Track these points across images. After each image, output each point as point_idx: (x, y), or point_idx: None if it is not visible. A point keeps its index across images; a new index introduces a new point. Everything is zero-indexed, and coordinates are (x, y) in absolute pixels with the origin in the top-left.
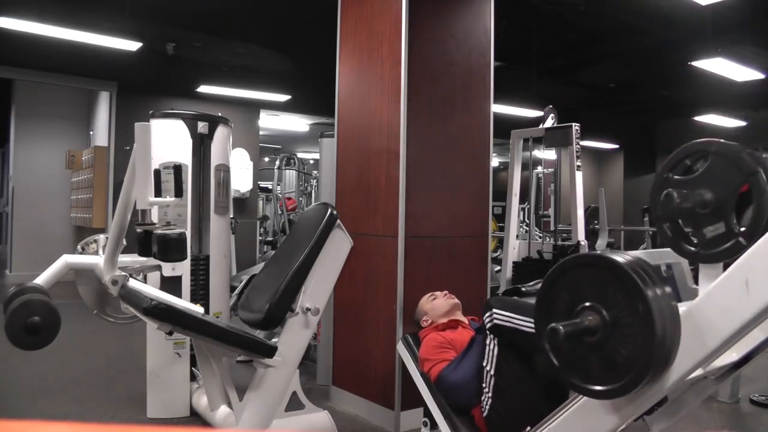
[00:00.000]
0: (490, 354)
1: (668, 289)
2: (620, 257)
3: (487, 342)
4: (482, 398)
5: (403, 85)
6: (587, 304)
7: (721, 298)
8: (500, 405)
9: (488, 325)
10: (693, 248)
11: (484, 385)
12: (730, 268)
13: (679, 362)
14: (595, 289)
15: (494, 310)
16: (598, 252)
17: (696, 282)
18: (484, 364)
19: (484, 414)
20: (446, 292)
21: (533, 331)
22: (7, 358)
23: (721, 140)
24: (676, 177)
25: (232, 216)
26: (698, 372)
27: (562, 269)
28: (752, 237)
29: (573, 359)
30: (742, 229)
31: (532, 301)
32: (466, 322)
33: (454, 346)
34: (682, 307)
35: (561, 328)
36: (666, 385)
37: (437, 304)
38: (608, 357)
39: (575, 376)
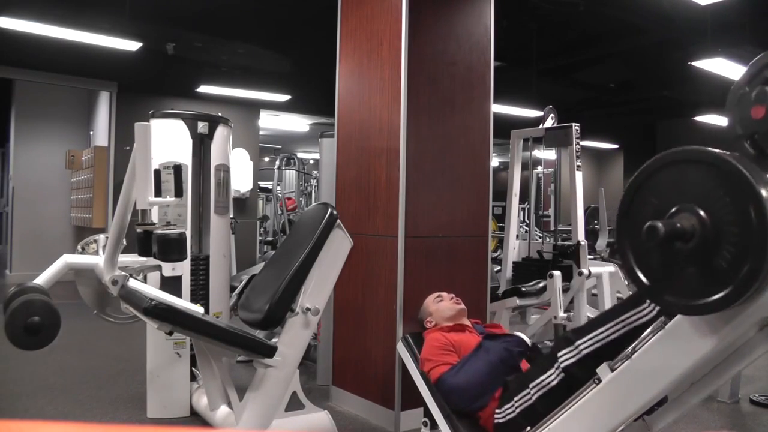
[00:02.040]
0: (545, 384)
1: None
2: (724, 153)
3: (551, 372)
4: (501, 408)
5: (403, 85)
6: (680, 206)
7: None
8: (522, 420)
9: (569, 362)
10: None
11: (515, 399)
12: None
13: None
14: (691, 190)
15: (577, 342)
16: (699, 147)
17: None
18: (530, 386)
19: (498, 422)
20: (453, 295)
21: (620, 334)
22: (7, 358)
23: None
24: (755, 92)
25: (232, 216)
26: None
27: (651, 169)
28: None
29: (666, 272)
30: None
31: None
32: (471, 326)
33: (457, 349)
34: None
35: (660, 225)
36: None
37: (443, 306)
38: (708, 265)
39: (670, 291)
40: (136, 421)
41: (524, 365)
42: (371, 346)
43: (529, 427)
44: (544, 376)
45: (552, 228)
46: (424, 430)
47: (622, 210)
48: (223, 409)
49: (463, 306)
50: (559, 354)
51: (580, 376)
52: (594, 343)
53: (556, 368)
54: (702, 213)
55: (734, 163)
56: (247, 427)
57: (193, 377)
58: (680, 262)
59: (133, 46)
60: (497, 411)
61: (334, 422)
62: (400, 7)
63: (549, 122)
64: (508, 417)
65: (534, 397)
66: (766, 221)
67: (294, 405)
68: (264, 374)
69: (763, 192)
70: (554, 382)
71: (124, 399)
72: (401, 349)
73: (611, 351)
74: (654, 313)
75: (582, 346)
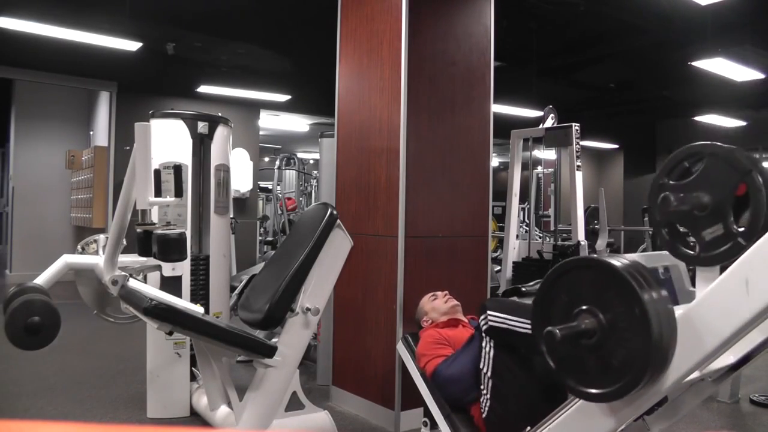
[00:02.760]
0: (487, 356)
1: (664, 293)
2: (616, 261)
3: (483, 344)
4: (481, 400)
5: (403, 85)
6: (584, 307)
7: (720, 299)
8: (498, 406)
9: (484, 328)
10: (692, 251)
11: (482, 386)
12: (730, 269)
13: (676, 365)
14: (592, 293)
15: (489, 312)
16: (595, 256)
17: (694, 285)
18: (481, 366)
19: (484, 415)
20: (446, 293)
21: (528, 332)
22: (7, 358)
23: (716, 143)
24: (671, 182)
25: (232, 216)
26: (695, 374)
27: (559, 272)
28: (751, 237)
29: (570, 362)
30: (741, 229)
31: (530, 301)
32: (466, 321)
33: (452, 343)
34: (679, 310)
35: (558, 331)
36: (663, 388)
37: (437, 304)
38: (605, 360)
39: (572, 378)
40: (136, 421)
41: None
42: (371, 346)
43: (529, 428)
44: (483, 351)
45: (552, 228)
46: (424, 430)
47: (537, 300)
48: (223, 409)
49: (456, 302)
50: (480, 320)
51: (505, 337)
52: (500, 323)
53: (484, 336)
54: (600, 315)
55: (621, 272)
56: (247, 427)
57: (193, 377)
58: (583, 354)
59: (133, 46)
60: (481, 407)
61: (334, 422)
62: (400, 7)
63: (549, 122)
64: (487, 407)
65: (489, 375)
66: (649, 324)
67: (294, 405)
68: (264, 374)
69: (645, 297)
70: (492, 351)
71: (124, 399)
72: (401, 348)
73: (511, 339)
74: None
75: (490, 318)
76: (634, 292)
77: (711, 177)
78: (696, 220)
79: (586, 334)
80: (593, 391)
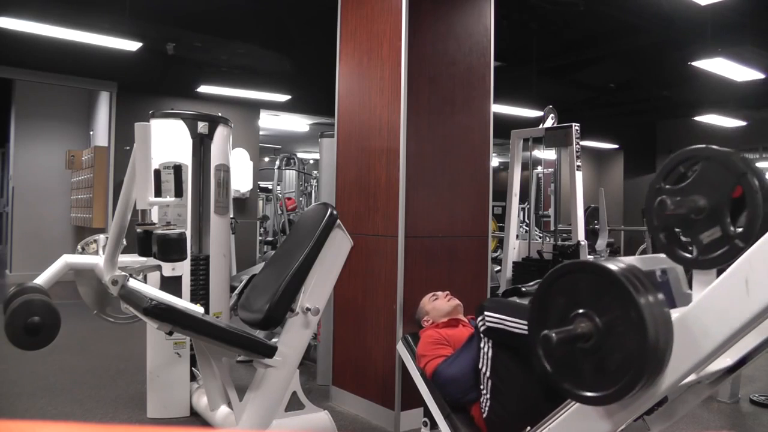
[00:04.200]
0: (485, 356)
1: (661, 296)
2: (613, 265)
3: (482, 345)
4: (481, 400)
5: (403, 85)
6: (581, 310)
7: (718, 302)
8: (498, 406)
9: (482, 329)
10: (689, 255)
11: (482, 387)
12: (728, 270)
13: (673, 368)
14: (588, 296)
15: (486, 313)
16: (592, 259)
17: (691, 287)
18: (480, 366)
19: (484, 415)
20: (448, 293)
21: (525, 332)
22: (7, 358)
23: (712, 146)
24: (668, 186)
25: (232, 216)
26: (692, 377)
27: (556, 275)
28: (748, 239)
29: (566, 365)
30: (739, 230)
31: (526, 301)
32: (466, 321)
33: (452, 343)
34: (676, 313)
35: (554, 335)
36: (659, 391)
37: (438, 304)
38: (601, 363)
39: (568, 381)
40: (136, 421)
41: None
42: (371, 346)
43: (529, 428)
44: (482, 352)
45: (552, 228)
46: (424, 430)
47: (533, 303)
48: (223, 409)
49: (457, 302)
50: (478, 320)
51: (502, 338)
52: (497, 323)
53: (482, 336)
54: (597, 319)
55: (618, 276)
56: (247, 427)
57: (193, 377)
58: (579, 358)
59: (133, 46)
60: (481, 407)
61: (334, 422)
62: (400, 7)
63: (549, 122)
64: (487, 407)
65: (488, 375)
66: (646, 328)
67: (294, 405)
68: (264, 374)
69: (642, 301)
70: (490, 351)
71: (124, 399)
72: (401, 349)
73: (507, 340)
74: None
75: (487, 318)
76: (630, 296)
77: (706, 180)
78: (693, 224)
79: (583, 337)
80: (589, 394)
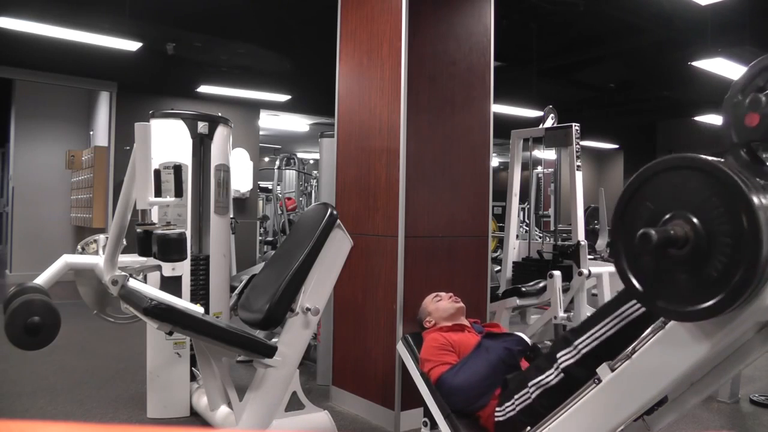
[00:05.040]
0: (544, 383)
1: None
2: (718, 161)
3: (548, 373)
4: (501, 407)
5: (403, 85)
6: (675, 213)
7: None
8: (522, 418)
9: (570, 362)
10: None
11: (515, 397)
12: None
13: None
14: (686, 198)
15: (576, 342)
16: (692, 154)
17: None
18: (530, 385)
19: (499, 419)
20: (451, 294)
21: (617, 329)
22: (7, 358)
23: None
24: (747, 101)
25: (232, 216)
26: None
27: (646, 175)
28: None
29: (658, 280)
30: None
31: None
32: (470, 325)
33: (456, 349)
34: None
35: (653, 232)
36: (763, 305)
37: (442, 306)
38: (699, 273)
39: (663, 298)
40: (136, 421)
41: (524, 364)
42: (371, 346)
43: (529, 427)
44: (542, 376)
45: (552, 228)
46: (424, 430)
47: (617, 213)
48: (223, 409)
49: (461, 304)
50: (559, 355)
51: (579, 376)
52: (592, 341)
53: (556, 368)
54: (695, 220)
55: (727, 172)
56: (247, 427)
57: (193, 377)
58: (673, 268)
59: (133, 46)
60: (497, 409)
61: (334, 422)
62: (400, 7)
63: (549, 122)
64: (508, 415)
65: (533, 396)
66: (758, 230)
67: (294, 405)
68: (264, 374)
69: (755, 200)
70: (553, 382)
71: (124, 399)
72: (401, 349)
73: (610, 348)
74: None
75: (581, 346)
76: (743, 196)
77: None
78: None
79: (681, 240)
80: (690, 308)
